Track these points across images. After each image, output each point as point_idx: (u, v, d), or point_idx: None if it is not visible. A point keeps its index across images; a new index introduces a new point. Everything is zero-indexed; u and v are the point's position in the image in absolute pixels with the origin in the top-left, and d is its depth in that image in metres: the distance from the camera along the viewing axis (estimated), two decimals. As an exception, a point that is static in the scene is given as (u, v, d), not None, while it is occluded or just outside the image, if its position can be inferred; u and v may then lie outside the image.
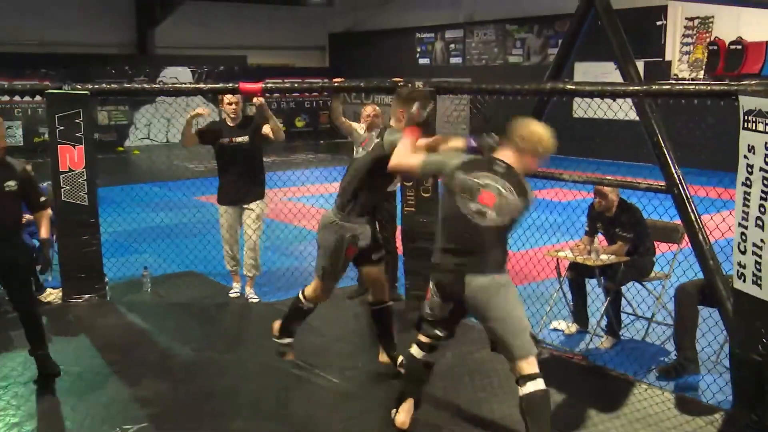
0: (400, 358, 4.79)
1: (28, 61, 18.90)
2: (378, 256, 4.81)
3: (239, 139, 6.47)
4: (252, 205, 6.58)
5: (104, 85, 7.32)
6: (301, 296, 4.85)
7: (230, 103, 6.50)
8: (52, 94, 6.43)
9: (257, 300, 6.67)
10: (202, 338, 5.81)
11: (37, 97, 6.74)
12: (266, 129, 6.52)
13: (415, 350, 4.19)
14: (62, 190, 6.43)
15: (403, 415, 4.18)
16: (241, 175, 6.52)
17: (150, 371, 5.12)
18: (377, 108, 6.77)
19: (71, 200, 6.47)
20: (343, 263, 4.66)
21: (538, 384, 3.84)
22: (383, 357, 5.07)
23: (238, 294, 6.79)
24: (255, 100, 6.39)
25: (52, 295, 6.64)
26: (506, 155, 3.87)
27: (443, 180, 3.95)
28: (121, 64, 20.67)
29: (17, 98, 18.15)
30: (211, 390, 4.83)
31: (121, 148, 20.27)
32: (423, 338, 4.16)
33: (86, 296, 6.53)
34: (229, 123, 6.56)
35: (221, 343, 5.75)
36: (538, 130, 3.89)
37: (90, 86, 6.63)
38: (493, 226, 3.81)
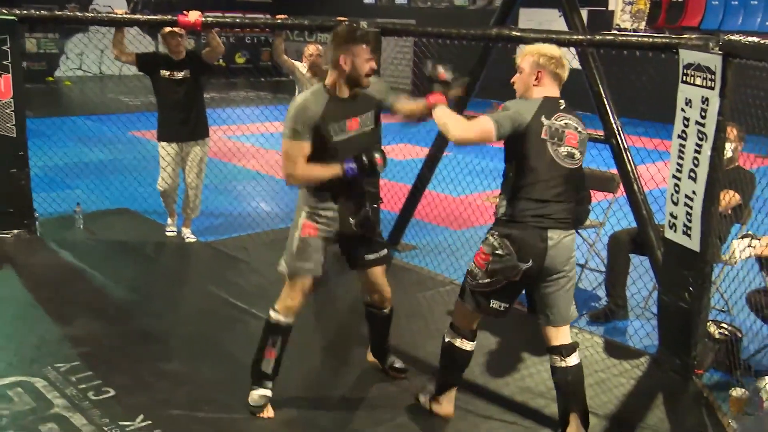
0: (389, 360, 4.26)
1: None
2: (374, 256, 3.93)
3: (181, 74, 6.26)
4: (196, 146, 6.42)
5: (33, 11, 6.97)
6: (269, 311, 3.88)
7: (172, 34, 6.21)
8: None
9: (194, 239, 6.58)
10: (136, 277, 5.73)
11: (-39, 22, 6.40)
12: (205, 50, 6.36)
13: (457, 341, 3.72)
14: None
15: (449, 405, 3.80)
16: (183, 111, 6.32)
17: (82, 310, 5.03)
18: (320, 47, 6.65)
19: (-1, 132, 6.23)
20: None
21: (578, 356, 3.58)
22: (371, 356, 4.35)
23: (175, 232, 6.68)
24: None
25: (-21, 230, 6.39)
26: (552, 90, 3.52)
27: (521, 131, 3.37)
28: (52, -10, 19.77)
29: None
30: (145, 330, 4.78)
31: (51, 78, 19.51)
32: (472, 318, 3.71)
33: (14, 231, 6.34)
34: (171, 56, 6.32)
35: (156, 282, 5.68)
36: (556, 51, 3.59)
37: (17, 11, 6.32)
38: (579, 167, 3.53)
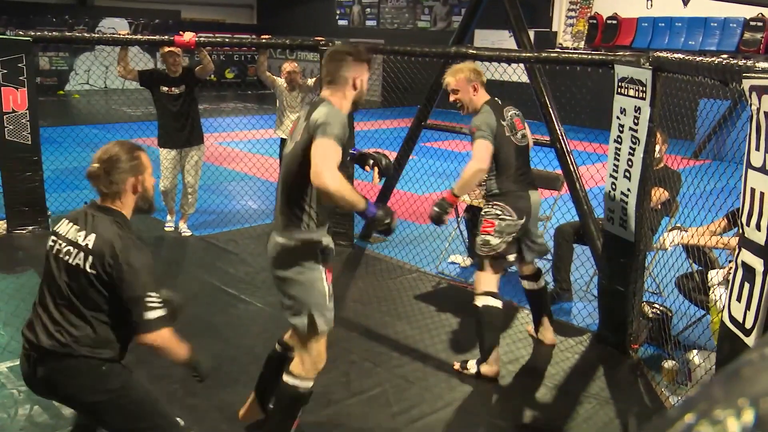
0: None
1: (-31, 7, 17.52)
2: None
3: (178, 89, 6.18)
4: (192, 151, 6.34)
5: (46, 33, 6.80)
6: (290, 381, 2.99)
7: (171, 53, 6.13)
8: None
9: (190, 234, 6.48)
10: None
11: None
12: (197, 68, 6.27)
13: (490, 300, 3.81)
14: (6, 129, 6.01)
15: (496, 364, 3.86)
16: (180, 121, 6.24)
17: (90, 297, 4.91)
18: (296, 64, 6.60)
19: (15, 139, 6.06)
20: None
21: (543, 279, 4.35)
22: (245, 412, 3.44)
23: (173, 228, 6.57)
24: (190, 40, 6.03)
25: (-3, 227, 6.22)
26: (485, 94, 3.93)
27: (497, 134, 3.75)
28: (61, 14, 19.38)
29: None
30: (147, 314, 4.68)
31: (61, 92, 19.15)
32: (494, 276, 3.86)
33: (30, 228, 6.20)
34: (169, 73, 6.22)
35: (156, 271, 5.55)
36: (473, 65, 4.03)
37: (32, 33, 6.17)
38: (528, 140, 4.03)
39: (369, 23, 20.73)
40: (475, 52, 5.34)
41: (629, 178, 4.04)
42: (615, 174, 4.14)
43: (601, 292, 4.42)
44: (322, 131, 2.63)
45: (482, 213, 3.96)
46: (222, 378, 3.82)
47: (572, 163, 5.09)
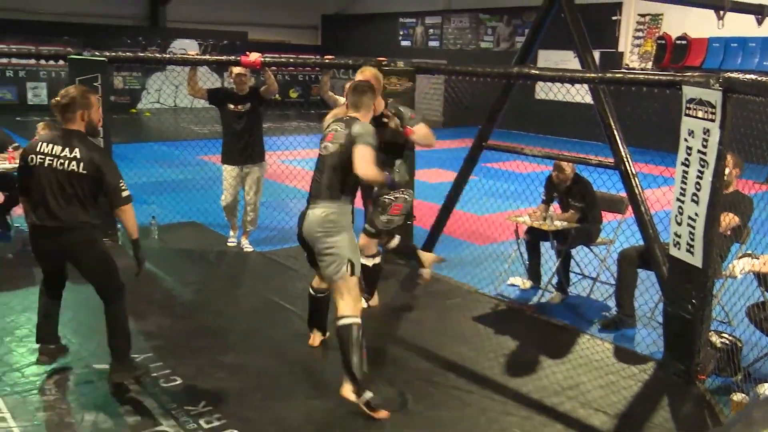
0: (327, 334, 4.45)
1: (53, 30, 18.44)
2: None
3: (243, 107, 6.34)
4: (254, 168, 6.48)
5: (120, 53, 7.11)
6: (346, 321, 3.73)
7: (239, 75, 6.33)
8: (74, 59, 6.25)
9: (251, 249, 6.61)
10: (200, 281, 5.76)
11: (60, 62, 6.55)
12: (262, 88, 6.43)
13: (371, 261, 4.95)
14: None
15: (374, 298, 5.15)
16: (244, 139, 6.40)
17: (154, 308, 5.06)
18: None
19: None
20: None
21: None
22: (316, 341, 4.49)
23: (235, 243, 6.72)
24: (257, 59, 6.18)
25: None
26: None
27: None
28: (135, 35, 20.21)
29: (43, 62, 17.72)
30: (207, 326, 4.80)
31: (133, 110, 19.89)
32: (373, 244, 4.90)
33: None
34: (236, 91, 6.41)
35: (217, 285, 5.70)
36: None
37: (107, 53, 6.45)
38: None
39: (432, 43, 20.86)
40: (537, 72, 5.32)
41: (697, 202, 3.93)
42: (682, 198, 4.04)
43: (667, 319, 4.29)
44: (363, 141, 3.80)
45: (395, 197, 4.76)
46: (277, 392, 3.87)
47: (637, 186, 4.98)
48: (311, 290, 4.41)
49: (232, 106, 6.36)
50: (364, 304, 4.84)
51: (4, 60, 17.89)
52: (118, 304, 3.85)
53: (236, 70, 6.34)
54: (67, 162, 3.58)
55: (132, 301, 5.11)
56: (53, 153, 3.61)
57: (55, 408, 3.61)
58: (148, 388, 3.83)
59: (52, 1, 19.24)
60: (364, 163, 3.74)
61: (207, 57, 7.02)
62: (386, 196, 4.76)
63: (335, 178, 3.87)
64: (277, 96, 7.24)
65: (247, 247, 6.64)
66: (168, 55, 7.03)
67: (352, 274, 3.76)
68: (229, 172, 6.48)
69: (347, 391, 3.68)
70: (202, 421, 3.51)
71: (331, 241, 3.77)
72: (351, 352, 3.67)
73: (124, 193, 3.71)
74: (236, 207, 6.65)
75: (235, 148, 6.42)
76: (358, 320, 3.72)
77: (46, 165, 3.60)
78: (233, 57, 6.37)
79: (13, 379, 3.90)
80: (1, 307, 4.93)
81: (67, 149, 3.59)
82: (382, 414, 3.61)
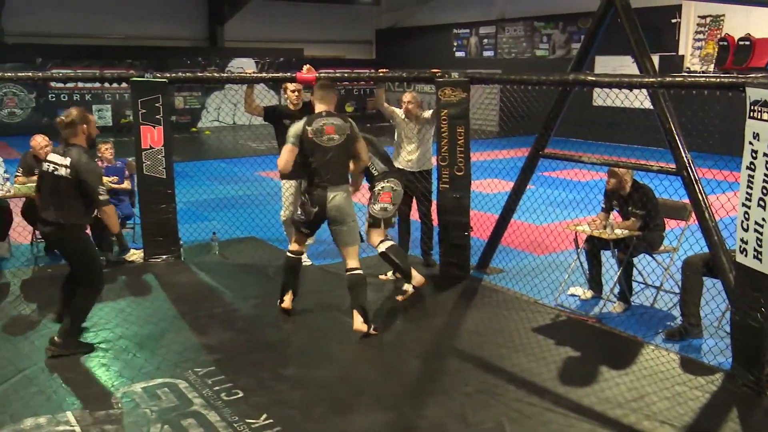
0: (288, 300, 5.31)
1: (116, 53, 19.20)
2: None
3: None
4: None
5: (180, 74, 7.33)
6: (356, 272, 4.94)
7: (294, 91, 6.47)
8: (136, 81, 6.50)
9: (309, 263, 6.70)
10: (260, 295, 5.87)
11: (124, 84, 6.81)
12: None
13: (388, 242, 5.41)
14: (144, 164, 6.52)
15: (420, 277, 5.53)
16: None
17: (216, 322, 5.19)
18: (412, 95, 6.67)
19: (152, 174, 6.55)
20: None
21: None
22: (287, 303, 5.30)
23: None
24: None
25: (135, 255, 6.76)
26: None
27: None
28: (194, 56, 20.83)
29: (107, 85, 18.47)
30: (267, 340, 4.89)
31: (194, 129, 20.48)
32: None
33: (164, 256, 6.64)
34: (290, 107, 6.54)
35: (277, 299, 5.79)
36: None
37: (168, 75, 6.67)
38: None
39: (486, 53, 20.80)
40: (594, 78, 5.26)
41: (764, 207, 3.81)
42: (748, 203, 3.92)
43: (735, 328, 4.16)
44: (361, 135, 5.03)
45: (381, 187, 5.45)
46: (337, 405, 3.91)
47: (701, 192, 4.85)
48: (290, 254, 5.26)
49: (287, 122, 6.46)
50: (410, 288, 5.66)
51: (71, 84, 18.68)
52: (89, 293, 4.59)
53: (290, 86, 6.47)
54: (61, 168, 4.39)
55: (195, 316, 5.30)
56: (55, 161, 4.44)
57: (121, 421, 3.73)
58: (211, 400, 3.93)
59: (117, 26, 20.04)
60: (366, 153, 5.08)
61: (263, 75, 7.17)
62: (375, 188, 5.53)
63: (345, 165, 4.96)
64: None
65: (306, 261, 6.73)
66: (226, 74, 7.22)
67: (361, 239, 5.05)
68: (287, 186, 6.60)
69: (359, 323, 4.83)
70: (263, 433, 3.58)
71: (351, 216, 4.94)
72: (363, 293, 4.92)
73: (102, 197, 4.48)
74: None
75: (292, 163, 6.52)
76: (362, 271, 4.98)
77: (49, 171, 4.44)
78: (289, 74, 6.50)
79: (82, 394, 4.05)
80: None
81: (62, 158, 4.41)
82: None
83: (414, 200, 6.52)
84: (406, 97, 6.63)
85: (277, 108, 6.81)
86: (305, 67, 6.31)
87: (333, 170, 4.87)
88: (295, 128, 4.98)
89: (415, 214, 6.58)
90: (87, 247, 4.65)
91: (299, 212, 5.13)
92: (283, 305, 5.31)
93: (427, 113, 6.51)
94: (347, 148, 4.94)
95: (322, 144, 4.87)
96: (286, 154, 4.94)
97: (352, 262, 4.94)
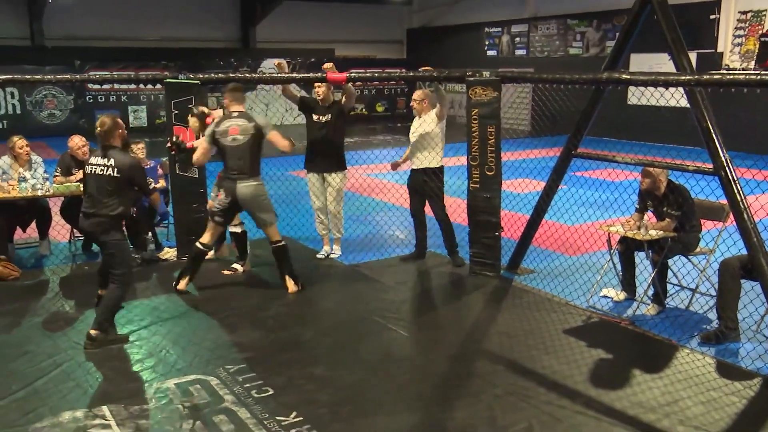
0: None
1: (151, 55, 19.47)
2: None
3: (324, 118, 6.59)
4: (332, 177, 6.69)
5: (212, 75, 7.42)
6: (279, 243, 5.87)
7: (319, 88, 6.62)
8: (170, 82, 6.58)
9: (339, 254, 6.81)
10: (290, 294, 5.89)
11: (158, 85, 6.90)
12: (342, 99, 6.64)
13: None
14: (177, 165, 6.60)
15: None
16: (321, 148, 6.65)
17: (246, 321, 5.23)
18: (420, 94, 6.70)
19: (184, 173, 6.63)
20: None
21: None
22: (184, 285, 5.83)
23: (323, 257, 6.86)
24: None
25: (169, 253, 6.86)
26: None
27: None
28: (227, 57, 21.04)
29: (142, 86, 18.76)
30: (297, 339, 4.91)
31: (226, 129, 20.66)
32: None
33: (232, 266, 6.68)
34: (319, 103, 6.66)
35: (306, 298, 5.82)
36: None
37: (201, 76, 6.75)
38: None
39: (518, 52, 20.64)
40: (628, 77, 5.17)
41: (805, 208, 3.70)
42: (788, 203, 3.81)
43: (774, 332, 4.05)
44: (271, 127, 5.84)
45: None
46: (366, 405, 3.91)
47: (739, 192, 4.74)
48: (200, 245, 5.85)
49: (315, 117, 6.61)
50: (239, 268, 6.49)
51: (108, 86, 19.00)
52: (117, 288, 4.85)
53: (317, 84, 6.62)
54: (106, 168, 4.77)
55: (225, 314, 5.35)
56: (97, 163, 4.83)
57: (155, 416, 3.78)
58: (242, 397, 3.96)
59: (152, 29, 20.36)
60: (281, 138, 5.74)
61: (294, 75, 7.22)
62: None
63: (254, 159, 5.74)
64: (363, 110, 7.34)
65: (336, 252, 6.91)
66: (257, 75, 7.25)
67: (276, 218, 5.93)
68: (311, 179, 6.79)
69: (292, 286, 5.82)
70: (293, 432, 3.59)
71: (266, 202, 5.80)
72: (288, 260, 5.88)
73: (151, 186, 5.62)
74: (324, 212, 6.83)
75: (314, 156, 6.72)
76: (284, 242, 5.90)
77: (94, 172, 4.82)
78: (319, 74, 6.53)
79: (118, 389, 4.11)
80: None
81: (104, 159, 4.79)
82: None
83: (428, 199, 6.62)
84: (414, 95, 6.72)
85: (307, 99, 6.90)
86: (327, 65, 6.48)
87: (241, 165, 5.66)
88: (209, 129, 5.79)
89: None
90: (124, 242, 5.00)
91: (214, 203, 5.81)
92: (178, 287, 5.81)
93: (433, 112, 6.55)
94: (254, 144, 5.71)
95: (226, 144, 5.69)
96: (199, 150, 5.81)
97: (275, 237, 5.83)
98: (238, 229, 6.44)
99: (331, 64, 6.55)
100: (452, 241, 6.61)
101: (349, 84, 6.50)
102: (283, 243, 5.88)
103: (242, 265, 6.48)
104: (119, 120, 5.03)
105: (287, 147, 5.79)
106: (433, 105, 6.60)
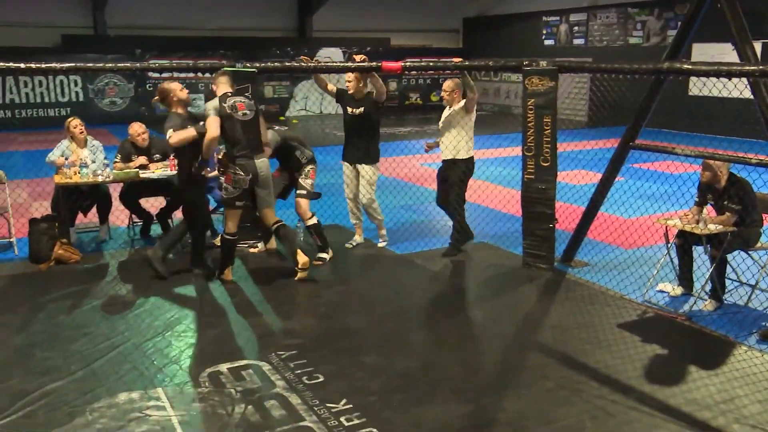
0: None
1: (209, 44, 19.83)
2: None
3: (357, 110, 6.64)
4: (363, 168, 6.72)
5: (269, 64, 7.49)
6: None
7: (348, 80, 6.65)
8: (227, 71, 6.69)
9: (385, 243, 6.87)
10: (342, 282, 5.96)
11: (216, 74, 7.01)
12: (374, 93, 6.66)
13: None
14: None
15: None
16: (355, 139, 6.71)
17: (299, 308, 5.32)
18: (449, 83, 6.66)
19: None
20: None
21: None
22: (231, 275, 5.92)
23: (352, 246, 6.93)
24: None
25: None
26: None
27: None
28: (283, 46, 21.25)
29: (201, 75, 19.13)
30: (349, 327, 4.96)
31: (282, 118, 20.91)
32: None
33: (250, 242, 6.84)
34: (354, 94, 6.71)
35: (358, 287, 5.87)
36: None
37: (257, 64, 6.84)
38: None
39: (577, 41, 20.24)
40: (690, 67, 5.04)
41: None
42: None
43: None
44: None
45: (310, 167, 6.49)
46: (417, 393, 3.93)
47: (805, 187, 4.57)
48: (228, 236, 5.83)
49: (349, 109, 6.66)
50: (325, 256, 6.47)
51: (167, 74, 19.44)
52: (192, 231, 5.93)
53: (348, 76, 6.63)
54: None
55: (278, 300, 5.44)
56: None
57: (208, 400, 3.88)
58: (293, 383, 4.03)
59: (211, 19, 20.72)
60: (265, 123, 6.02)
61: (348, 64, 7.24)
62: (305, 168, 6.47)
63: (261, 135, 5.82)
64: (418, 99, 7.31)
65: (383, 240, 6.97)
66: (313, 64, 7.29)
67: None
68: (345, 168, 6.87)
69: (304, 260, 5.78)
70: (342, 419, 3.64)
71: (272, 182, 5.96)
72: (295, 239, 6.11)
73: (209, 175, 6.21)
74: (356, 202, 6.90)
75: (349, 147, 6.80)
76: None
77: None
78: (374, 63, 6.53)
79: (172, 372, 4.24)
80: (164, 303, 5.37)
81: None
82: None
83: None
84: (444, 85, 6.72)
85: (342, 92, 6.92)
86: (358, 57, 6.54)
87: (254, 140, 5.74)
88: (212, 103, 5.71)
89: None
90: (196, 201, 5.94)
91: (229, 188, 5.69)
92: (223, 278, 5.88)
93: (460, 103, 6.53)
94: (257, 121, 5.82)
95: (239, 118, 5.70)
96: (214, 124, 5.55)
97: (274, 218, 5.94)
98: (314, 220, 6.48)
99: (363, 56, 6.56)
100: (455, 233, 6.64)
101: (378, 79, 6.51)
102: (283, 222, 5.98)
103: (327, 253, 6.50)
104: (171, 85, 5.85)
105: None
106: (464, 96, 6.58)
